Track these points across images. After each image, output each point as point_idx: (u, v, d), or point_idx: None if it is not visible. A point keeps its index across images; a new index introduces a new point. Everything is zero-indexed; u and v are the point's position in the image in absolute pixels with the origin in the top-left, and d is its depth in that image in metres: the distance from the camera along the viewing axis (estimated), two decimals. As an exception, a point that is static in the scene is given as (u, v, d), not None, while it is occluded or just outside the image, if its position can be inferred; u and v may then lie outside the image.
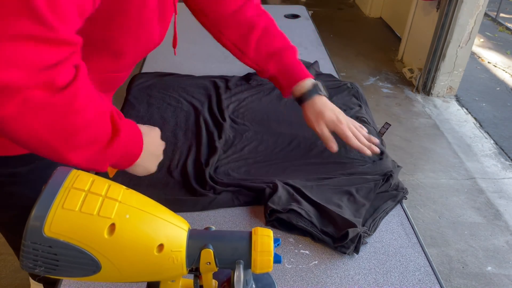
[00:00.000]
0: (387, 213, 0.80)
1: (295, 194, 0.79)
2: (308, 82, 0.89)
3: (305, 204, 0.77)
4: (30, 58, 0.46)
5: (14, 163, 0.73)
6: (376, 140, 0.90)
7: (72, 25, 0.51)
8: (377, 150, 0.88)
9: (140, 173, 0.70)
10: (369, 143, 0.88)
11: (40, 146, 0.53)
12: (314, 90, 0.89)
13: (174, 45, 0.83)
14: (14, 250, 0.98)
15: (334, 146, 0.87)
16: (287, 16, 1.81)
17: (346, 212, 0.76)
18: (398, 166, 0.90)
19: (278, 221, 0.76)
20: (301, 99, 0.89)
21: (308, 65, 1.28)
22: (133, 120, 0.65)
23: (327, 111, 0.87)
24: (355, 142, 0.86)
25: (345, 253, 0.71)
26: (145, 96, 1.11)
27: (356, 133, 0.88)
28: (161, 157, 0.73)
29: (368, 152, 0.86)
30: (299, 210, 0.74)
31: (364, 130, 0.91)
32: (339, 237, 0.72)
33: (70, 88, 0.51)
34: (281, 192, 0.78)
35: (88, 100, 0.54)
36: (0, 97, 0.46)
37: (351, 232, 0.70)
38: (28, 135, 0.51)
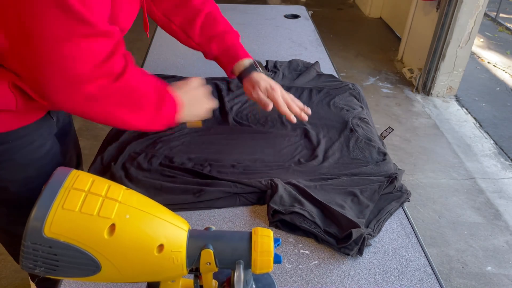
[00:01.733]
0: (391, 214, 0.80)
1: (297, 194, 0.79)
2: (247, 61, 0.98)
3: (307, 204, 0.77)
4: (87, 53, 0.59)
5: None
6: (309, 111, 0.98)
7: (105, 16, 0.62)
8: (305, 117, 0.96)
9: (193, 117, 0.85)
10: (299, 110, 0.96)
11: (112, 121, 0.71)
12: (252, 67, 0.97)
13: (146, 29, 0.91)
14: None
15: (269, 106, 0.94)
16: (287, 16, 1.81)
17: (349, 213, 0.76)
18: (400, 169, 0.90)
19: (282, 222, 0.76)
20: (241, 76, 0.98)
21: (309, 66, 1.29)
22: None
23: (262, 81, 0.96)
24: (283, 108, 0.94)
25: (348, 254, 0.71)
26: None
27: (288, 101, 0.96)
28: (204, 102, 0.86)
29: (293, 119, 0.94)
30: (302, 212, 0.74)
31: (299, 103, 0.98)
32: (343, 238, 0.72)
33: (126, 73, 0.66)
34: (282, 191, 0.78)
35: (139, 79, 0.70)
36: (74, 88, 0.61)
37: (355, 233, 0.70)
38: (110, 113, 0.68)
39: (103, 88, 0.64)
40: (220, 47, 0.99)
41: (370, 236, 0.73)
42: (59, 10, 0.55)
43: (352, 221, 0.72)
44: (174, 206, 0.78)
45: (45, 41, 0.56)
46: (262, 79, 0.96)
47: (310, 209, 0.75)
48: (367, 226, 0.75)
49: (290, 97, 0.97)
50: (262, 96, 0.94)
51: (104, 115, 0.68)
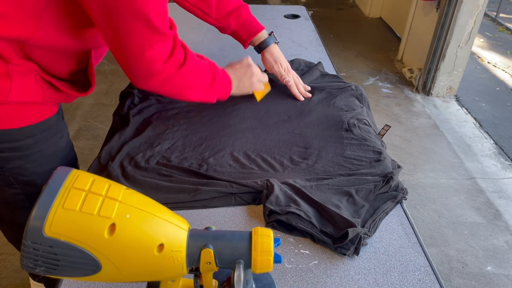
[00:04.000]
0: (387, 214, 0.80)
1: (292, 194, 0.79)
2: (265, 33, 1.13)
3: (303, 204, 0.77)
4: (160, 55, 0.78)
5: (20, 135, 0.79)
6: (308, 88, 1.16)
7: (167, 22, 0.77)
8: (309, 94, 1.13)
9: (245, 91, 1.05)
10: (304, 91, 1.14)
11: (179, 96, 0.91)
12: (271, 39, 1.13)
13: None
14: (13, 230, 0.99)
15: (289, 80, 1.11)
16: (287, 16, 1.81)
17: (345, 213, 0.76)
18: (399, 167, 0.90)
19: (278, 223, 0.76)
20: (261, 47, 1.13)
21: (311, 65, 1.29)
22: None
23: (282, 59, 1.14)
24: (294, 89, 1.12)
25: (345, 254, 0.71)
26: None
27: (297, 82, 1.14)
28: (254, 76, 1.04)
29: (302, 99, 1.12)
30: (298, 212, 0.74)
31: (302, 82, 1.16)
32: (339, 237, 0.72)
33: (187, 61, 0.84)
34: (278, 191, 0.78)
35: (195, 63, 0.87)
36: (150, 77, 0.81)
37: (351, 232, 0.70)
38: (175, 92, 0.89)
39: (170, 76, 0.83)
40: (237, 21, 1.10)
41: (366, 236, 0.73)
42: (143, 24, 0.71)
43: (348, 221, 0.72)
44: (171, 205, 0.78)
45: (132, 47, 0.74)
46: (281, 56, 1.13)
47: (306, 209, 0.75)
48: (363, 226, 0.75)
49: (297, 76, 1.15)
50: (283, 73, 1.12)
51: (172, 93, 0.89)
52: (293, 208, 0.74)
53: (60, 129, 0.89)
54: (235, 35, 1.14)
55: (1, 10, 0.66)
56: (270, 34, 1.13)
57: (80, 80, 0.85)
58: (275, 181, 0.81)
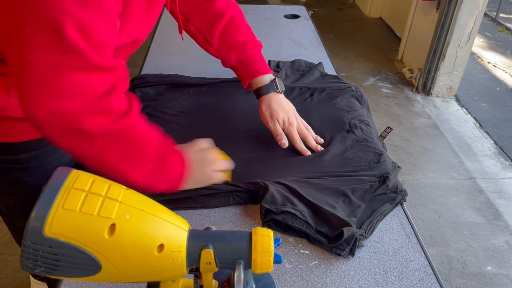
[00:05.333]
0: (384, 216, 0.80)
1: (288, 194, 0.79)
2: (267, 78, 0.94)
3: (299, 204, 0.77)
4: (80, 88, 0.53)
5: (18, 149, 0.75)
6: (321, 140, 0.95)
7: (108, 49, 0.56)
8: (320, 148, 0.93)
9: (201, 183, 0.77)
10: (316, 144, 0.93)
11: (105, 168, 0.61)
12: (271, 86, 0.93)
13: (180, 31, 0.89)
14: (13, 231, 0.97)
15: (285, 142, 0.91)
16: (287, 16, 1.81)
17: (340, 213, 0.75)
18: (398, 167, 0.90)
19: (274, 222, 0.76)
20: (259, 93, 0.94)
21: (312, 66, 1.29)
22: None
23: (281, 112, 0.92)
24: (299, 145, 0.91)
25: (340, 255, 0.71)
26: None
27: (305, 134, 0.93)
28: (216, 166, 0.78)
29: (308, 153, 0.91)
30: (293, 211, 0.74)
31: (312, 131, 0.95)
32: (334, 237, 0.71)
33: (128, 117, 0.60)
34: (273, 189, 0.78)
35: (142, 127, 0.63)
36: (59, 128, 0.56)
37: (346, 231, 0.70)
38: (98, 161, 0.60)
39: (97, 127, 0.57)
40: (239, 57, 0.95)
41: (362, 237, 0.73)
42: (51, 36, 0.50)
43: (343, 220, 0.72)
44: (171, 205, 0.78)
45: (35, 69, 0.51)
46: (280, 107, 0.92)
47: (302, 209, 0.75)
48: (359, 227, 0.75)
49: (305, 125, 0.95)
50: (279, 130, 0.92)
51: (97, 158, 0.61)
52: (289, 208, 0.74)
53: None
54: (236, 72, 0.99)
55: None
56: (272, 81, 0.94)
57: None
58: (270, 182, 0.80)
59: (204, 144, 0.79)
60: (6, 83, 0.65)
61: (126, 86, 0.61)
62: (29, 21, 0.49)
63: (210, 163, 0.77)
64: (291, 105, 0.95)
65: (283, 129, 0.92)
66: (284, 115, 0.92)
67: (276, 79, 0.94)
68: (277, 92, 0.94)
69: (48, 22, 0.49)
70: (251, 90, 0.98)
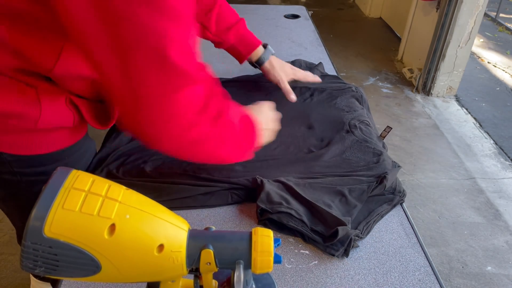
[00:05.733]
0: (382, 217, 0.80)
1: (283, 193, 0.78)
2: (261, 47, 1.09)
3: (294, 203, 0.77)
4: (188, 104, 0.58)
5: (47, 160, 0.75)
6: (319, 79, 1.16)
7: (198, 57, 0.58)
8: (319, 79, 1.15)
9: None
10: (313, 78, 1.14)
11: (213, 161, 0.75)
12: (267, 52, 1.09)
13: None
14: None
15: (293, 97, 1.07)
16: (287, 16, 1.81)
17: (336, 212, 0.75)
18: (398, 167, 0.90)
19: (270, 221, 0.76)
20: (259, 62, 1.09)
21: (312, 66, 1.29)
22: None
23: (286, 68, 1.11)
24: (311, 78, 1.13)
25: (333, 255, 0.70)
26: None
27: (307, 75, 1.13)
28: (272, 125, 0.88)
29: (319, 80, 1.14)
30: (288, 211, 0.74)
31: (309, 73, 1.15)
32: (329, 236, 0.71)
33: (223, 115, 0.65)
34: (269, 188, 0.78)
35: (231, 118, 0.69)
36: (178, 146, 0.64)
37: (341, 231, 0.69)
38: (205, 156, 0.70)
39: (203, 132, 0.63)
40: (236, 36, 1.07)
41: (357, 238, 0.73)
42: (158, 63, 0.51)
43: (338, 219, 0.72)
44: (169, 205, 0.78)
45: (147, 96, 0.54)
46: (284, 65, 1.10)
47: (297, 208, 0.75)
48: (356, 227, 0.75)
49: (306, 74, 1.12)
50: (289, 88, 1.08)
51: (206, 156, 0.70)
52: (283, 208, 0.74)
53: (90, 148, 0.85)
54: (233, 50, 1.10)
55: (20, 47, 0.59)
56: (265, 47, 1.09)
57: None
58: (266, 180, 0.80)
59: (267, 106, 0.91)
60: (35, 94, 0.65)
61: (218, 87, 0.65)
62: (134, 50, 0.50)
63: (270, 122, 0.88)
64: (285, 62, 1.13)
65: (292, 79, 1.10)
66: (288, 69, 1.11)
67: (267, 44, 1.10)
68: (273, 55, 1.10)
69: (153, 49, 0.50)
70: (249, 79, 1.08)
